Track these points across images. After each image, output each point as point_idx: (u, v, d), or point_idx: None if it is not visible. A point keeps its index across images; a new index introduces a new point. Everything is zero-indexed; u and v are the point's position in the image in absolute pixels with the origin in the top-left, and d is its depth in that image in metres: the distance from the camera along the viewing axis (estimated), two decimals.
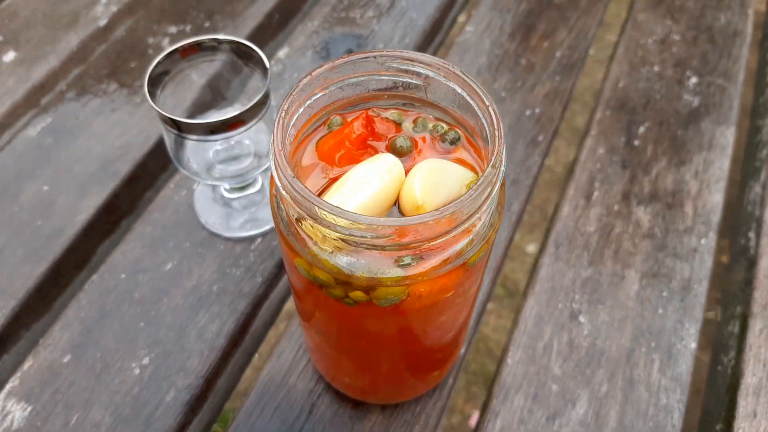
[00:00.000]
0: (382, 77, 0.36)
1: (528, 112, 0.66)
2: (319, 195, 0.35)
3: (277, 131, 0.31)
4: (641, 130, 0.65)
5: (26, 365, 0.51)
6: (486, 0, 0.77)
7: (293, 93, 0.33)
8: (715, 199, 0.61)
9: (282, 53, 0.71)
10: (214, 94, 0.55)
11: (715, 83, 0.69)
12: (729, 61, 0.71)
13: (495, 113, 0.32)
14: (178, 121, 0.46)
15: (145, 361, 0.51)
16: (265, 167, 0.53)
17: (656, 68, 0.71)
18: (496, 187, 0.31)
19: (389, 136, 0.37)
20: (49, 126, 0.64)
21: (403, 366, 0.42)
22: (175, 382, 0.50)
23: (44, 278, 0.55)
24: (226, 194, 0.59)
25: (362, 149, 0.36)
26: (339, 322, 0.38)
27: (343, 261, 0.32)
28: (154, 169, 0.63)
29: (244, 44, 0.50)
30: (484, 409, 0.50)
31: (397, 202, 0.35)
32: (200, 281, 0.55)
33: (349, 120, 0.38)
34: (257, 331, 0.55)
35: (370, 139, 0.37)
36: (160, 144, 0.63)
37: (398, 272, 0.32)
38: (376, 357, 0.41)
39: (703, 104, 0.68)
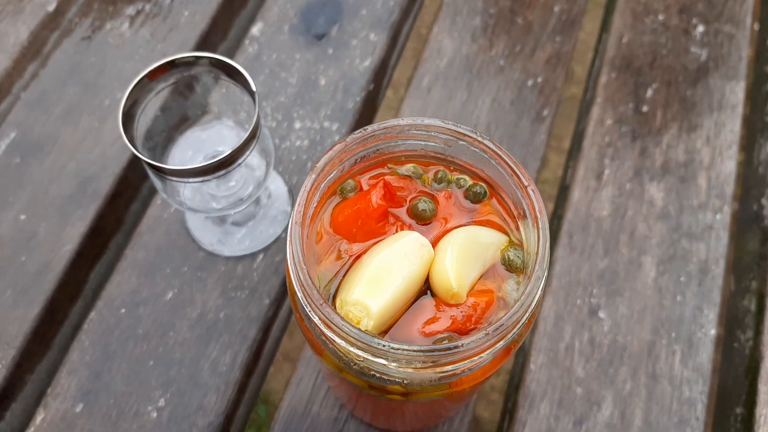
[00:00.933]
0: (399, 143, 0.33)
1: (530, 82, 0.62)
2: (342, 278, 0.32)
3: (294, 243, 0.28)
4: (649, 93, 0.62)
5: (38, 418, 0.49)
6: None
7: (305, 191, 0.29)
8: (728, 167, 0.58)
9: (256, 29, 0.65)
10: (193, 109, 0.50)
11: (723, 31, 0.65)
12: (736, 3, 0.67)
13: (536, 195, 0.29)
14: (163, 168, 0.42)
15: (161, 402, 0.50)
16: (263, 188, 0.49)
17: (661, 17, 0.66)
18: (541, 286, 0.29)
19: (409, 198, 0.34)
20: (13, 142, 0.58)
21: (431, 417, 0.41)
22: (196, 422, 0.49)
23: (39, 320, 0.52)
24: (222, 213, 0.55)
25: (382, 220, 0.33)
26: (367, 402, 0.36)
27: (379, 371, 0.29)
28: (135, 180, 0.59)
29: (225, 62, 0.45)
30: (511, 417, 0.50)
31: (427, 282, 0.32)
32: (205, 309, 0.53)
33: (362, 185, 0.34)
34: (269, 352, 0.53)
35: (389, 206, 0.33)
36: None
37: (441, 376, 0.30)
38: (402, 419, 0.40)
39: (711, 57, 0.64)
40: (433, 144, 0.32)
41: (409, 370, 0.27)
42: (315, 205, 0.31)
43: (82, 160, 0.58)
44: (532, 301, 0.27)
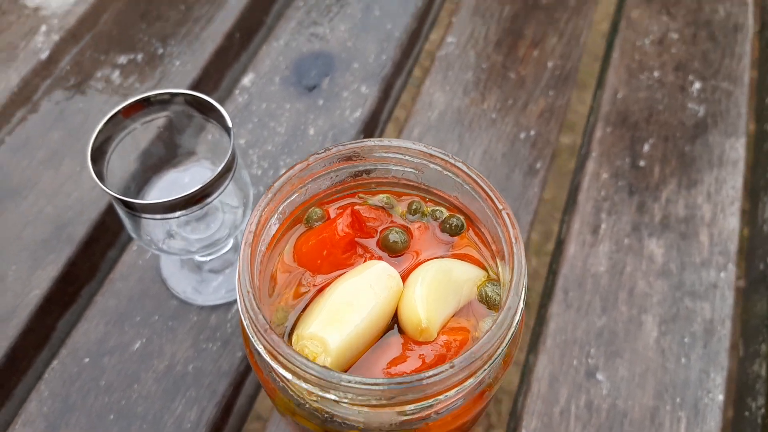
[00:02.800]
0: (368, 166, 0.30)
1: (522, 135, 0.60)
2: (302, 312, 0.30)
3: (243, 265, 0.25)
4: (646, 147, 0.60)
5: None
6: (466, 5, 0.70)
7: (260, 207, 0.27)
8: (731, 224, 0.56)
9: (247, 80, 0.64)
10: (169, 149, 0.48)
11: (720, 87, 0.64)
12: (732, 60, 0.66)
13: (511, 220, 0.27)
14: (132, 203, 0.40)
15: None
16: (239, 231, 0.47)
17: (656, 74, 0.65)
18: (517, 319, 0.26)
19: (380, 229, 0.32)
20: None
21: None
22: None
23: (1, 366, 0.49)
24: (196, 257, 0.52)
25: (349, 251, 0.31)
26: None
27: (333, 411, 0.26)
28: (113, 226, 0.57)
29: (200, 98, 0.44)
30: None
31: (395, 319, 0.29)
32: (173, 361, 0.49)
33: (330, 213, 0.32)
34: (240, 410, 0.50)
35: (357, 236, 0.31)
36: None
37: (404, 419, 0.26)
38: None
39: (709, 113, 0.62)
40: (404, 169, 0.30)
41: (365, 408, 0.24)
42: (273, 230, 0.29)
43: (60, 205, 0.56)
44: (505, 334, 0.24)
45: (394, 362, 0.27)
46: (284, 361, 0.23)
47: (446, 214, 0.32)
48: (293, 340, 0.28)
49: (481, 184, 0.27)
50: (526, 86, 0.64)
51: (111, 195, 0.40)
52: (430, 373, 0.23)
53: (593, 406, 0.48)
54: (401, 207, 0.32)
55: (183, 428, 0.47)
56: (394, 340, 0.28)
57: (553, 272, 0.54)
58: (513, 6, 0.70)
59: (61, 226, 0.55)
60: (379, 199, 0.32)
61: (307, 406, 0.26)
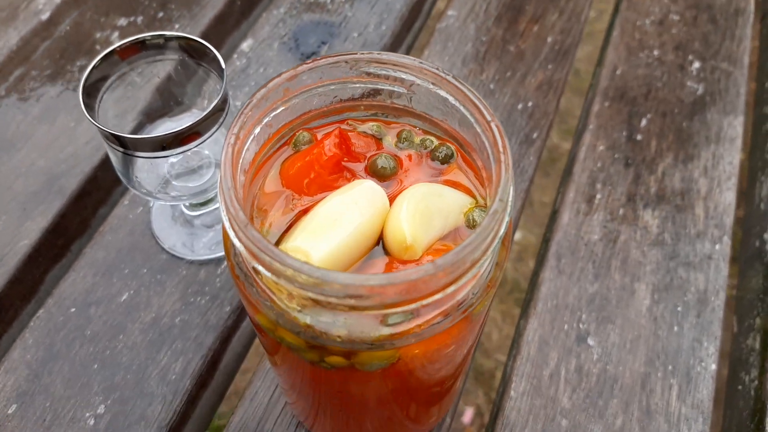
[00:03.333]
0: (357, 85, 0.30)
1: (520, 106, 0.60)
2: (286, 232, 0.29)
3: (225, 163, 0.25)
4: (643, 122, 0.60)
5: None
6: None
7: (245, 111, 0.27)
8: (727, 198, 0.55)
9: (245, 45, 0.64)
10: (165, 100, 0.48)
11: (720, 68, 0.64)
12: (733, 42, 0.66)
13: (500, 131, 0.26)
14: (122, 137, 0.39)
15: (101, 409, 0.45)
16: None
17: (656, 52, 0.65)
18: (504, 226, 0.25)
19: (368, 155, 0.31)
20: None
21: (394, 422, 0.37)
22: None
23: None
24: (188, 211, 0.52)
25: (336, 173, 0.30)
26: (316, 384, 0.32)
27: (315, 321, 0.26)
28: (106, 183, 0.56)
29: (194, 40, 0.43)
30: None
31: (380, 239, 0.29)
32: (160, 313, 0.49)
33: (318, 137, 0.32)
34: (228, 367, 0.49)
35: (345, 159, 0.31)
36: None
37: (386, 332, 0.26)
38: (363, 417, 0.35)
39: (708, 92, 0.62)
40: (394, 89, 0.30)
41: (345, 314, 0.23)
42: (259, 143, 0.28)
43: (53, 158, 0.56)
44: (489, 239, 0.24)
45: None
46: (263, 257, 0.23)
47: (436, 142, 0.31)
48: None
49: (470, 96, 0.27)
50: (525, 59, 0.63)
51: (101, 129, 0.40)
52: (410, 270, 0.22)
53: (583, 371, 0.47)
54: (391, 136, 0.32)
55: (167, 379, 0.46)
56: (379, 259, 0.28)
57: (546, 240, 0.54)
58: None
59: (52, 178, 0.54)
60: (369, 127, 0.32)
61: (289, 318, 0.25)
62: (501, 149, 0.26)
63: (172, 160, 0.48)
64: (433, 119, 0.31)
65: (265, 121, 0.28)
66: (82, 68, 0.61)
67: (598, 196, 0.55)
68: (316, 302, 0.24)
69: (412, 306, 0.24)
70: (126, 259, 0.51)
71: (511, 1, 0.68)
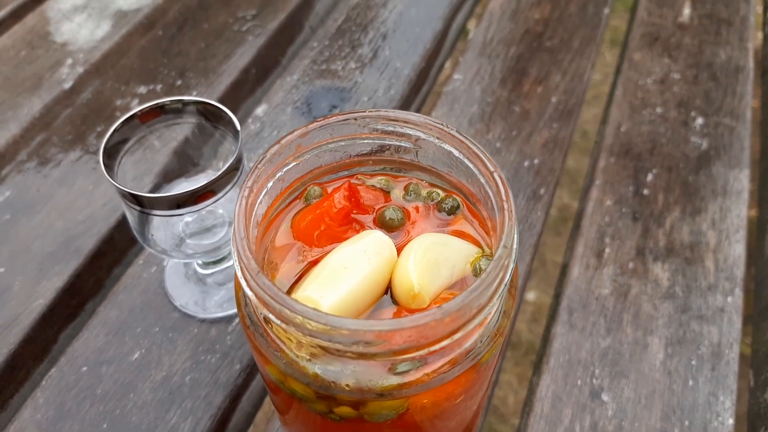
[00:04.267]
0: (365, 141, 0.31)
1: (526, 163, 0.61)
2: (296, 283, 0.30)
3: (239, 215, 0.26)
4: (649, 177, 0.60)
5: None
6: (473, 46, 0.73)
7: (259, 166, 0.28)
8: (737, 251, 0.55)
9: (260, 110, 0.67)
10: (182, 162, 0.49)
11: (723, 123, 0.65)
12: (734, 99, 0.67)
13: (502, 181, 0.27)
14: (138, 195, 0.41)
15: None
16: None
17: (659, 110, 0.66)
18: (509, 272, 0.26)
19: (377, 207, 0.32)
20: (7, 200, 0.58)
21: None
22: None
23: None
24: (201, 270, 0.53)
25: (345, 225, 0.31)
26: None
27: (324, 370, 0.26)
28: (121, 243, 0.57)
29: (211, 104, 0.45)
30: None
31: (389, 289, 0.29)
32: (171, 371, 0.49)
33: (329, 191, 0.33)
34: (237, 426, 0.48)
35: (354, 212, 0.31)
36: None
37: (394, 381, 0.26)
38: None
39: (712, 146, 0.63)
40: (401, 144, 0.31)
41: (353, 362, 0.24)
42: (271, 197, 0.29)
43: (70, 220, 0.57)
44: (494, 283, 0.24)
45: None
46: (273, 304, 0.23)
47: (443, 194, 0.32)
48: None
49: (474, 149, 0.28)
50: (530, 119, 0.65)
51: (119, 189, 0.41)
52: (417, 316, 0.23)
53: (598, 427, 0.46)
54: (398, 189, 0.33)
55: None
56: (387, 309, 0.28)
57: (557, 295, 0.54)
58: (518, 48, 0.73)
59: (69, 239, 0.56)
60: (377, 181, 0.33)
61: (296, 369, 0.25)
62: (504, 198, 0.26)
63: (187, 219, 0.49)
64: (439, 172, 0.32)
65: (277, 175, 0.29)
66: (102, 134, 0.64)
67: (607, 250, 0.55)
68: (325, 350, 0.24)
69: (420, 353, 0.24)
70: (138, 318, 0.52)
71: (515, 64, 0.71)
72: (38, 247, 0.55)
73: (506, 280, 0.25)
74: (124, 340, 0.50)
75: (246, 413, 0.49)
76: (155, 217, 0.46)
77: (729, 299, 0.52)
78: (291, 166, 0.30)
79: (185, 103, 0.46)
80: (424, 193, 0.33)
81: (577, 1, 0.78)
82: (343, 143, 0.31)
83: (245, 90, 0.71)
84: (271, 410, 0.48)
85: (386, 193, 0.33)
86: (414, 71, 0.71)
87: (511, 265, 0.25)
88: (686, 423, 0.46)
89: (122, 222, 0.57)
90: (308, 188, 0.32)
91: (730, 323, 0.51)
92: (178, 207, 0.42)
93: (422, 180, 0.33)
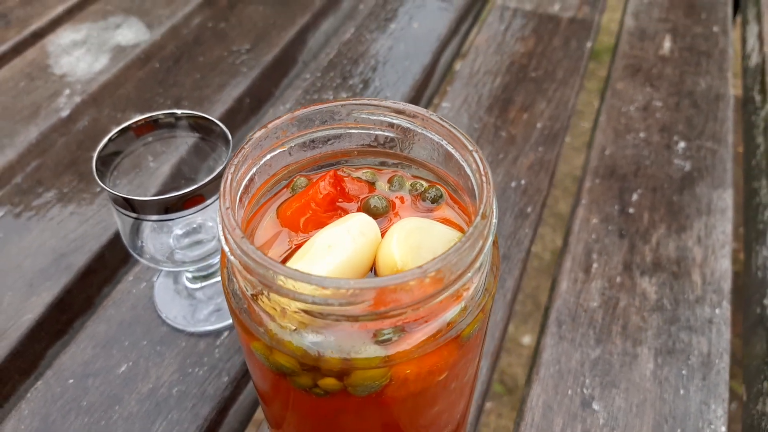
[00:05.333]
0: (351, 131, 0.32)
1: (513, 184, 0.62)
2: (282, 263, 0.30)
3: (224, 189, 0.27)
4: (634, 197, 0.62)
5: None
6: (461, 76, 0.75)
7: (245, 146, 0.29)
8: (723, 265, 0.56)
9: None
10: (174, 176, 0.50)
11: (705, 146, 0.67)
12: (716, 124, 0.69)
13: (480, 158, 0.28)
14: (128, 199, 0.41)
15: None
16: None
17: (642, 134, 0.68)
18: (489, 241, 0.26)
19: (361, 197, 0.33)
20: (1, 220, 0.59)
21: None
22: None
23: None
24: (190, 284, 0.53)
25: (331, 211, 0.32)
26: (311, 421, 0.31)
27: (308, 340, 0.26)
28: (112, 262, 0.58)
29: (203, 117, 0.47)
30: None
31: (373, 269, 0.30)
32: (158, 384, 0.48)
33: (315, 181, 0.33)
34: None
35: (339, 200, 0.32)
36: (120, 234, 0.58)
37: (377, 351, 0.26)
38: None
39: (695, 168, 0.64)
40: (384, 134, 0.32)
41: (335, 319, 0.24)
42: (256, 185, 0.30)
43: (63, 238, 0.57)
44: (475, 247, 0.25)
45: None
46: (257, 269, 0.24)
47: (426, 185, 0.33)
48: None
49: (453, 130, 0.29)
50: (516, 143, 0.67)
51: (111, 193, 0.42)
52: (400, 275, 0.23)
53: None
54: (382, 182, 0.34)
55: None
56: None
57: (546, 308, 0.54)
58: (503, 78, 0.75)
59: (60, 256, 0.56)
60: (362, 173, 0.34)
61: (283, 341, 0.26)
62: (483, 172, 0.27)
63: (178, 232, 0.50)
64: (421, 162, 0.33)
65: (263, 160, 0.30)
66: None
67: (595, 265, 0.56)
68: (308, 314, 0.25)
69: (402, 316, 0.24)
70: (127, 332, 0.51)
71: (501, 93, 0.73)
72: (29, 265, 0.56)
73: (486, 248, 0.26)
74: (111, 353, 0.50)
75: (233, 426, 0.49)
76: (146, 229, 0.47)
77: (717, 311, 0.53)
78: (277, 152, 0.31)
79: (177, 117, 0.47)
80: (407, 184, 0.34)
81: (560, 36, 0.81)
82: (329, 132, 0.32)
83: (239, 118, 0.72)
84: (261, 419, 0.48)
85: (371, 185, 0.34)
86: (403, 100, 0.72)
87: (491, 235, 0.26)
88: (678, 431, 0.46)
89: (114, 240, 0.58)
90: (295, 179, 0.33)
91: (719, 334, 0.51)
92: (167, 211, 0.42)
93: (406, 173, 0.34)
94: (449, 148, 0.30)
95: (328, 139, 0.33)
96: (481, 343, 0.32)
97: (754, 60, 0.80)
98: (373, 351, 0.26)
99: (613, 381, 0.48)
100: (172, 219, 0.43)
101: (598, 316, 0.52)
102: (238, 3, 0.86)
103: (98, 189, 0.62)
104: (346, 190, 0.32)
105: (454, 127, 0.29)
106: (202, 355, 0.50)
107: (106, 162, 0.45)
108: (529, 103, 0.71)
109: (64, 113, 0.70)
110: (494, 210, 0.27)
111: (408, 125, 0.31)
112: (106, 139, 0.44)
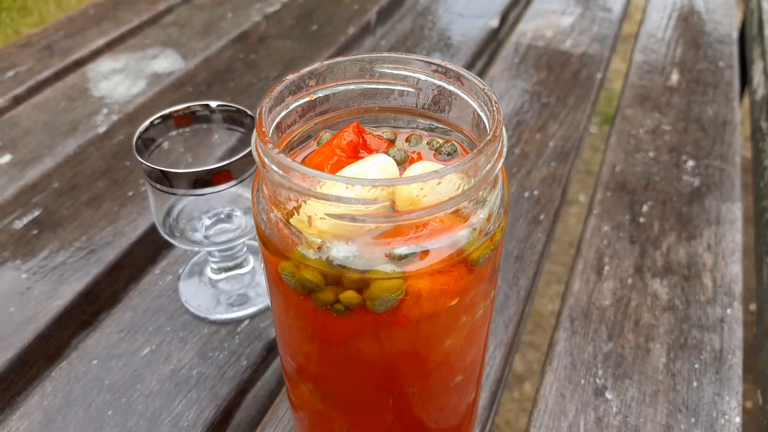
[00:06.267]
0: (372, 86, 0.35)
1: (527, 194, 0.65)
2: None
3: (259, 116, 0.29)
4: (645, 208, 0.63)
5: None
6: None
7: (276, 88, 0.32)
8: (733, 270, 0.57)
9: None
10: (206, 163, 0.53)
11: (713, 165, 0.69)
12: (723, 146, 0.71)
13: (491, 92, 0.31)
14: (164, 171, 0.44)
15: None
16: (252, 234, 0.50)
17: (651, 154, 0.70)
18: (500, 163, 0.29)
19: (381, 150, 0.35)
20: (36, 218, 0.62)
21: (407, 425, 0.36)
22: None
23: (10, 366, 0.50)
24: (214, 276, 0.55)
25: (354, 157, 0.34)
26: (331, 353, 0.33)
27: (333, 253, 0.28)
28: (140, 260, 0.60)
29: (233, 108, 0.50)
30: None
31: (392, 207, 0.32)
32: (179, 365, 0.50)
33: (339, 131, 0.36)
34: (242, 425, 0.48)
35: (361, 151, 0.35)
36: (149, 233, 0.61)
37: (394, 267, 0.28)
38: (375, 407, 0.35)
39: (704, 184, 0.66)
40: (403, 89, 0.35)
41: (356, 216, 0.26)
42: (285, 125, 0.33)
43: (94, 235, 0.60)
44: (488, 163, 0.27)
45: (389, 234, 0.29)
46: (290, 174, 0.26)
47: (441, 142, 0.36)
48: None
49: (465, 74, 0.32)
50: (529, 159, 0.69)
51: (145, 165, 0.45)
52: (416, 175, 0.26)
53: (603, 422, 0.46)
54: (400, 140, 0.37)
55: (180, 426, 0.46)
56: None
57: (559, 307, 0.55)
58: (516, 103, 0.78)
59: (91, 252, 0.59)
60: (382, 132, 0.37)
61: (308, 256, 0.28)
62: (493, 101, 0.30)
63: (207, 221, 0.52)
64: (438, 117, 0.35)
65: (292, 106, 0.33)
66: (131, 167, 0.68)
67: (606, 267, 0.57)
68: (334, 221, 0.27)
69: (418, 223, 0.26)
70: (151, 319, 0.53)
71: (515, 116, 0.76)
72: (61, 258, 0.58)
73: (497, 167, 0.28)
74: (135, 337, 0.52)
75: (250, 416, 0.49)
76: (177, 211, 0.50)
77: (728, 311, 0.53)
78: (305, 100, 0.34)
79: (212, 110, 0.51)
80: (424, 141, 0.36)
81: (571, 68, 0.85)
82: (351, 87, 0.35)
83: None
84: (278, 403, 0.49)
85: (390, 141, 0.36)
86: None
87: (501, 157, 0.28)
88: (692, 420, 0.46)
89: (143, 238, 0.60)
90: (321, 135, 0.36)
91: (731, 332, 0.52)
92: (197, 184, 0.45)
93: (423, 132, 0.37)
94: (458, 91, 0.33)
95: (350, 96, 0.36)
96: (492, 283, 0.33)
97: (760, 93, 0.83)
98: (390, 267, 0.28)
99: (626, 372, 0.49)
100: (203, 194, 0.45)
101: (610, 313, 0.53)
102: (268, 38, 0.92)
103: (131, 193, 0.65)
104: (368, 142, 0.35)
105: (468, 72, 0.32)
106: (223, 341, 0.51)
107: (146, 144, 0.48)
108: (541, 124, 0.74)
109: (101, 129, 0.74)
110: (504, 137, 0.29)
111: (425, 78, 0.34)
112: (147, 122, 0.48)
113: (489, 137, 0.28)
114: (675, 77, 0.83)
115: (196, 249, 0.55)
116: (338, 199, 0.26)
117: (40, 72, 0.85)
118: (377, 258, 0.28)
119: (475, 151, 0.27)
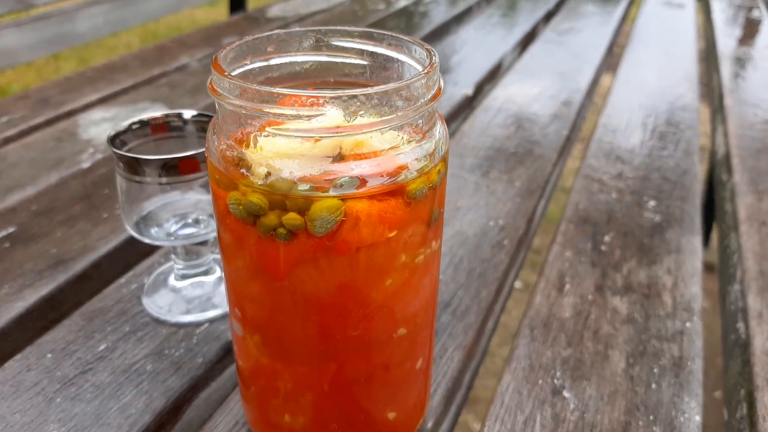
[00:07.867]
0: (323, 58, 0.38)
1: (492, 223, 0.66)
2: None
3: (218, 55, 0.32)
4: (606, 238, 0.65)
5: None
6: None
7: (230, 46, 0.34)
8: (693, 290, 0.58)
9: None
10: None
11: (674, 204, 0.71)
12: (683, 190, 0.74)
13: (428, 47, 0.33)
14: (132, 157, 0.46)
15: None
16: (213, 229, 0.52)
17: (614, 195, 0.73)
18: (434, 98, 0.31)
19: None
20: (10, 234, 0.63)
21: (351, 380, 0.36)
22: None
23: None
24: (178, 283, 0.56)
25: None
26: (275, 288, 0.33)
27: (278, 176, 0.30)
28: (108, 273, 0.61)
29: (206, 115, 0.53)
30: None
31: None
32: (133, 360, 0.49)
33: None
34: (192, 423, 0.47)
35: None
36: (119, 249, 0.62)
37: (334, 192, 0.30)
38: (318, 355, 0.35)
39: (665, 220, 0.68)
40: (354, 61, 0.38)
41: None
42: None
43: (65, 249, 0.61)
44: (419, 90, 0.29)
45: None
46: (232, 86, 0.28)
47: None
48: None
49: (407, 39, 0.35)
50: (495, 194, 0.72)
51: (116, 153, 0.47)
52: (351, 91, 0.28)
53: (560, 417, 0.45)
54: None
55: (127, 413, 0.45)
56: None
57: (519, 318, 0.55)
58: (486, 152, 0.82)
59: (60, 262, 0.59)
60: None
61: (255, 183, 0.30)
62: (429, 49, 0.33)
63: (174, 226, 0.54)
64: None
65: (247, 67, 0.36)
66: (109, 196, 0.70)
67: (568, 285, 0.58)
68: (281, 134, 0.29)
69: (357, 138, 0.28)
70: (111, 321, 0.53)
71: (483, 161, 0.79)
72: (30, 267, 0.59)
73: (431, 98, 0.30)
74: (93, 335, 0.52)
75: (201, 415, 0.48)
76: (145, 207, 0.51)
77: (688, 324, 0.54)
78: (258, 64, 0.36)
79: (185, 121, 0.54)
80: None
81: (539, 126, 0.89)
82: (305, 58, 0.38)
83: None
84: (231, 408, 0.48)
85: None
86: None
87: (438, 94, 0.31)
88: (651, 417, 0.45)
89: (113, 253, 0.61)
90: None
91: (691, 342, 0.52)
92: (165, 171, 0.47)
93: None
94: (404, 57, 0.36)
95: (304, 65, 0.38)
96: (433, 233, 0.35)
97: (721, 151, 0.87)
98: (331, 192, 0.29)
99: (585, 375, 0.49)
100: (170, 183, 0.47)
101: (570, 324, 0.54)
102: None
103: (105, 215, 0.66)
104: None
105: (412, 38, 0.35)
106: (181, 341, 0.51)
107: (120, 144, 0.50)
108: (509, 168, 0.78)
109: (85, 165, 0.77)
110: (440, 80, 0.32)
111: (373, 48, 0.37)
112: (126, 124, 0.50)
113: (425, 70, 0.30)
114: (638, 137, 0.88)
115: (161, 244, 0.56)
116: (286, 116, 0.28)
117: (32, 118, 0.89)
118: (316, 165, 0.29)
119: (410, 76, 0.29)
